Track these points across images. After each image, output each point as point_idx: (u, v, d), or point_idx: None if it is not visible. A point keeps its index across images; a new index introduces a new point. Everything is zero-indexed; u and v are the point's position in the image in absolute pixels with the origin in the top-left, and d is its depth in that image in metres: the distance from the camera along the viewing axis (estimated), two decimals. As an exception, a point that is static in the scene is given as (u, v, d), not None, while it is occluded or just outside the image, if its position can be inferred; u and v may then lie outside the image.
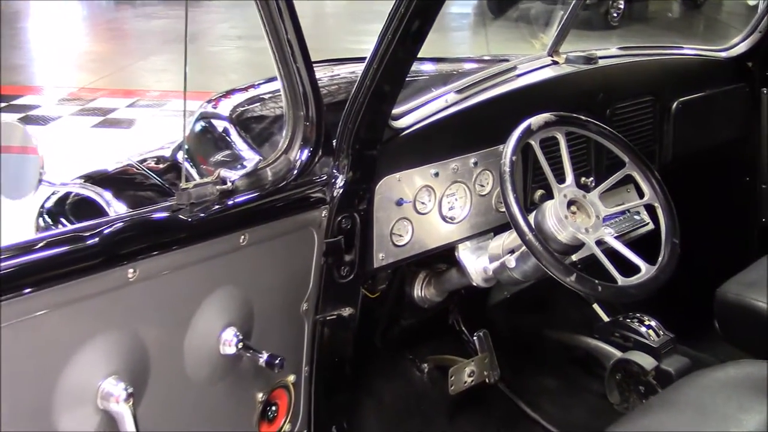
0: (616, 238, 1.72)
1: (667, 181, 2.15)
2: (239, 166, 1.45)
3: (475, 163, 1.93)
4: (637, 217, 2.31)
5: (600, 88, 2.22)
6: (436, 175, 1.85)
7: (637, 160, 1.83)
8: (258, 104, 2.47)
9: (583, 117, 1.84)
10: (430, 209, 1.87)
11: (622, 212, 2.33)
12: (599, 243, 1.70)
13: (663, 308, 2.34)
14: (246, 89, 2.74)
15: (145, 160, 2.57)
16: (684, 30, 12.06)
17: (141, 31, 11.87)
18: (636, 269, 1.70)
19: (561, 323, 2.49)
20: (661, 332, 2.26)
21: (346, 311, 1.71)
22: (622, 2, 11.07)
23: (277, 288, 1.51)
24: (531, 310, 2.52)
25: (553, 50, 2.27)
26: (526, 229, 1.60)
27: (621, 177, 1.84)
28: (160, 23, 11.64)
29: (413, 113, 1.83)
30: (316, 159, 1.54)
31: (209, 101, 2.55)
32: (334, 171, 1.63)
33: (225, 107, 2.46)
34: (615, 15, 10.99)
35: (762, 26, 2.59)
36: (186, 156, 2.21)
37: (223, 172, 1.36)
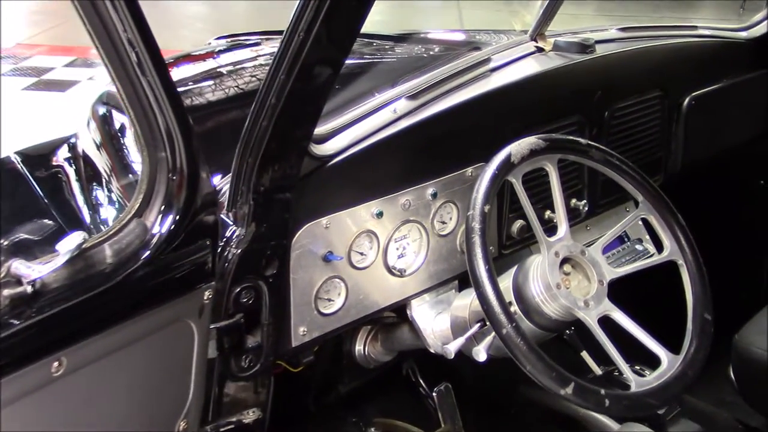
0: (625, 312, 1.25)
1: (671, 194, 1.72)
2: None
3: (434, 195, 1.43)
4: (639, 246, 1.83)
5: (598, 85, 1.72)
6: (380, 215, 1.35)
7: (657, 203, 1.35)
8: (194, 90, 1.86)
9: (582, 141, 1.35)
10: (371, 261, 1.38)
11: (620, 241, 1.85)
12: (603, 321, 1.23)
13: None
14: (199, 58, 2.10)
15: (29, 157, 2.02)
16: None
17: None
18: (653, 358, 1.24)
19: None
20: None
21: (250, 415, 1.23)
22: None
23: (129, 415, 1.02)
24: (505, 358, 2.05)
25: (538, 33, 1.76)
26: (503, 318, 1.12)
27: (633, 221, 1.36)
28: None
29: (346, 132, 1.32)
30: (189, 219, 1.03)
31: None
32: (231, 225, 1.13)
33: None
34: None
35: (792, 0, 2.10)
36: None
37: (17, 265, 0.84)
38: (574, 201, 1.70)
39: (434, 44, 1.95)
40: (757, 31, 2.15)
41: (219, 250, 1.13)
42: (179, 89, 0.99)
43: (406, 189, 1.39)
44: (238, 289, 1.16)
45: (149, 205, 0.99)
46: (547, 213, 1.64)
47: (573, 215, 1.70)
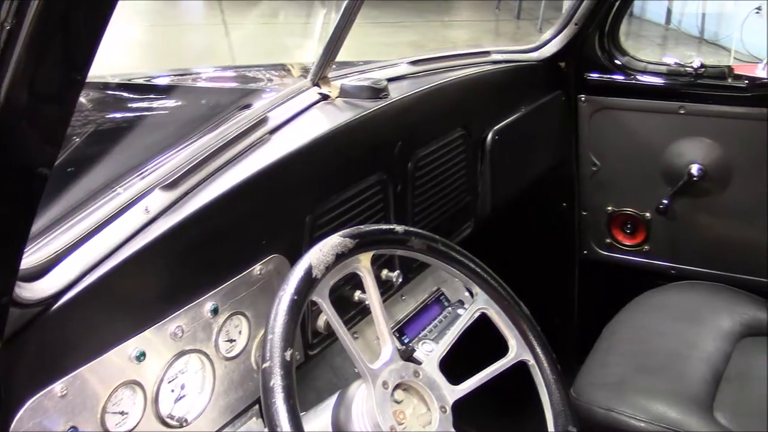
0: None
1: (482, 239, 1.58)
2: None
3: (215, 310, 1.08)
4: (461, 311, 1.60)
5: (397, 134, 1.46)
6: (141, 356, 0.99)
7: (495, 293, 1.11)
8: None
9: (399, 229, 1.07)
10: (137, 420, 1.00)
11: (439, 307, 1.61)
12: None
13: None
14: None
15: None
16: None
17: None
18: None
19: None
20: None
21: None
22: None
23: None
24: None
25: (320, 77, 1.47)
26: None
27: (468, 319, 1.11)
28: None
29: (75, 254, 0.94)
30: None
31: None
32: None
33: None
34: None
35: (578, 17, 1.98)
36: None
37: None
38: (385, 272, 1.44)
39: (194, 94, 1.58)
40: (548, 50, 2.03)
41: None
42: None
43: (176, 312, 1.03)
44: None
45: None
46: (357, 294, 1.36)
47: (386, 288, 1.44)
